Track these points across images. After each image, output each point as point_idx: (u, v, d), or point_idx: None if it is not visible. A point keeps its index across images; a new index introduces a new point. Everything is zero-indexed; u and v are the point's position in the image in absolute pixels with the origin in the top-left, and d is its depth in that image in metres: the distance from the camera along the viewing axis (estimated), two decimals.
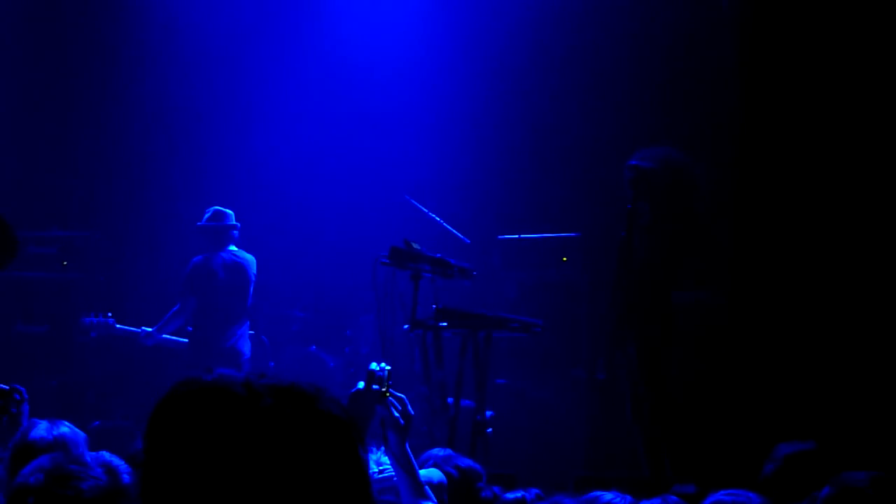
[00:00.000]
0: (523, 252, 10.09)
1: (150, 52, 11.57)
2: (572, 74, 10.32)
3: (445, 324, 7.68)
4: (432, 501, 4.18)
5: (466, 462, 4.97)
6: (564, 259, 9.90)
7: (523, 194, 10.49)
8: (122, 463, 3.30)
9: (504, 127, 10.68)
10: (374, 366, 4.44)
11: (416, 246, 7.70)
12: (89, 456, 3.77)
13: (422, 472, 4.24)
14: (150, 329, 9.34)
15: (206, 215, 9.61)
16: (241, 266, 9.61)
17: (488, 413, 7.89)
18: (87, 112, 11.52)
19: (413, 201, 9.34)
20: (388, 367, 4.23)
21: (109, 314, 9.34)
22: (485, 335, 7.88)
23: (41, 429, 4.04)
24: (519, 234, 10.04)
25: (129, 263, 10.88)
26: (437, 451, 5.11)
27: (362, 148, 11.08)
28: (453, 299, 8.15)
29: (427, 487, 4.03)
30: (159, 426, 1.77)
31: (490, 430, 7.80)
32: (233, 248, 9.63)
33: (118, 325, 9.33)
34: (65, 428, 4.08)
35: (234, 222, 9.65)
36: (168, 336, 9.42)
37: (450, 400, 7.72)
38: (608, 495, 4.38)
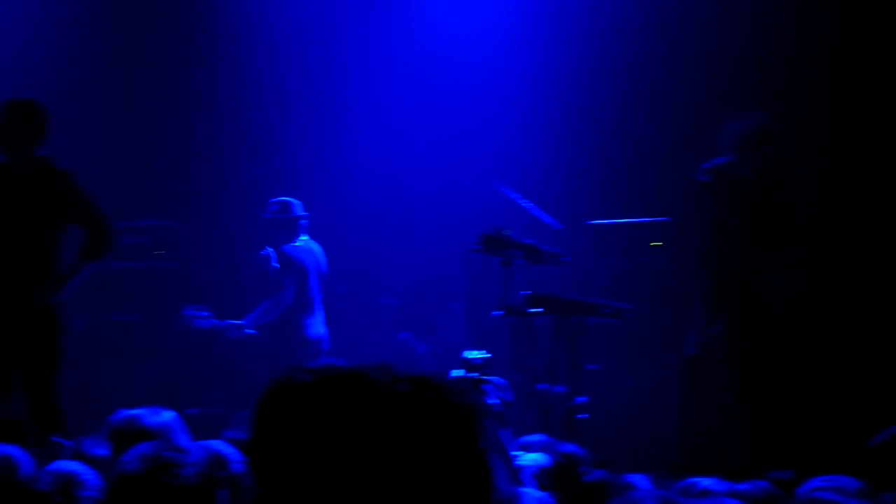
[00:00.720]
0: (614, 237, 10.09)
1: (235, 42, 11.70)
2: (665, 55, 10.28)
3: (538, 310, 7.71)
4: (529, 488, 4.22)
5: (568, 447, 5.00)
6: (657, 244, 9.89)
7: (614, 178, 10.47)
8: (233, 450, 3.37)
9: (595, 110, 10.66)
10: (469, 353, 4.47)
11: (507, 232, 7.72)
12: (191, 444, 3.86)
13: (526, 457, 4.27)
14: (242, 321, 9.42)
15: (274, 207, 9.68)
16: (319, 256, 9.70)
17: (581, 399, 7.90)
18: (176, 103, 11.69)
19: (503, 187, 9.36)
20: (488, 355, 4.26)
21: (206, 308, 9.46)
22: (577, 321, 7.90)
23: (143, 416, 4.11)
24: (610, 218, 10.04)
25: (220, 253, 11.02)
26: (535, 437, 5.14)
27: (452, 134, 11.11)
28: (544, 285, 8.17)
29: (527, 473, 4.06)
30: (291, 411, 1.77)
31: (583, 415, 7.82)
32: (304, 238, 9.70)
33: (213, 320, 9.44)
34: (167, 415, 4.16)
35: (304, 212, 9.73)
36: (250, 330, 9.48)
37: (542, 386, 7.75)
38: (705, 481, 4.40)
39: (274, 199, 9.72)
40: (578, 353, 7.92)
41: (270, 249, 9.64)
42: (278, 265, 9.56)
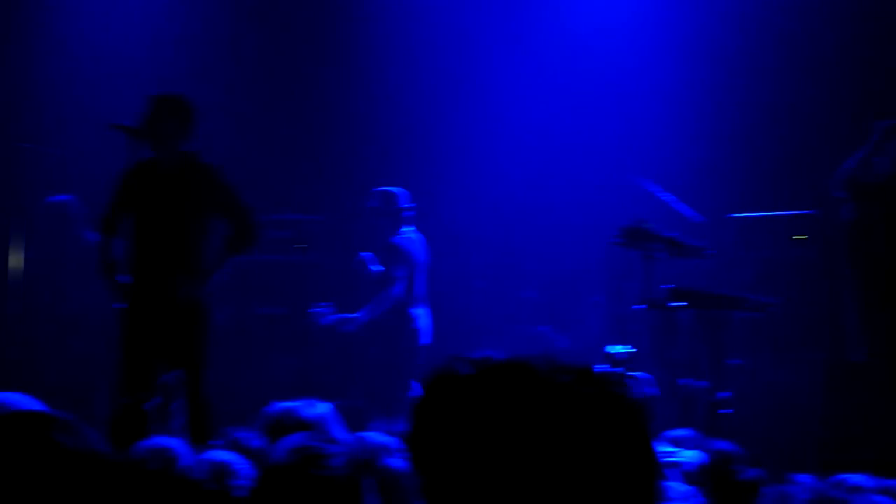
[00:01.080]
0: (757, 230, 9.98)
1: (375, 37, 11.81)
2: (808, 49, 10.15)
3: (680, 304, 7.66)
4: (675, 482, 4.21)
5: (721, 444, 4.96)
6: (800, 237, 9.76)
7: (757, 171, 10.36)
8: (386, 442, 3.41)
9: (736, 103, 10.56)
10: (612, 348, 4.47)
11: (649, 225, 7.69)
12: (344, 435, 3.93)
13: (681, 453, 4.25)
14: (355, 315, 9.46)
15: (378, 198, 9.67)
16: (424, 247, 9.75)
17: (724, 394, 7.84)
18: (319, 97, 11.85)
19: (643, 180, 9.32)
20: (631, 350, 4.25)
21: (330, 303, 9.55)
22: (719, 315, 7.83)
23: (298, 407, 4.17)
24: (753, 211, 9.93)
25: (361, 246, 11.14)
26: (680, 433, 5.11)
27: (593, 127, 11.07)
28: (685, 279, 8.12)
29: (679, 469, 4.05)
30: (438, 406, 1.79)
31: (726, 411, 7.76)
32: (409, 229, 9.69)
33: (333, 316, 9.50)
34: (322, 407, 4.22)
35: (409, 203, 9.74)
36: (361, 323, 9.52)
37: (684, 381, 7.71)
38: (855, 477, 4.34)
39: (377, 189, 9.73)
40: (721, 347, 7.85)
41: (368, 254, 9.68)
42: (379, 262, 9.59)
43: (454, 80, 11.54)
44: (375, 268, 9.63)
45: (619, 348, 4.26)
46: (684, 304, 7.71)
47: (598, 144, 11.00)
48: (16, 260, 10.44)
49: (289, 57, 12.02)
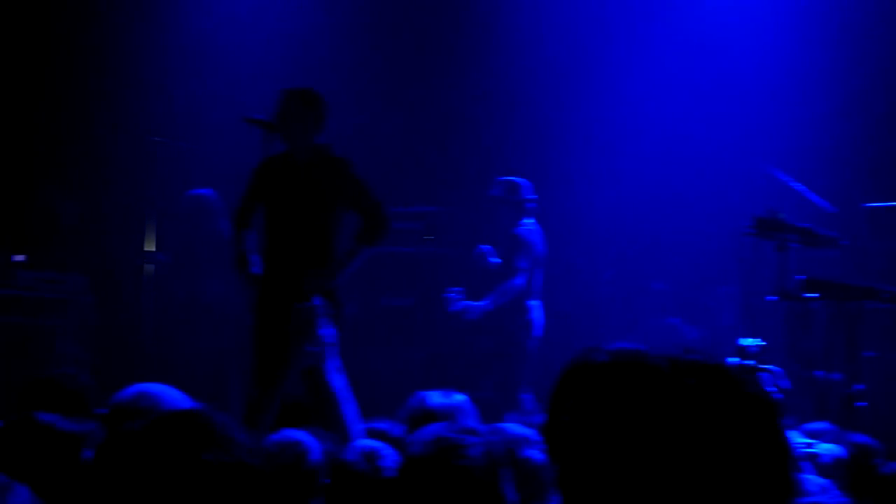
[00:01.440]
0: (890, 219, 9.83)
1: (504, 30, 11.85)
2: None
3: (813, 295, 7.59)
4: (811, 474, 4.19)
5: (861, 438, 4.91)
6: None
7: (890, 160, 10.22)
8: (523, 432, 3.45)
9: (868, 92, 10.42)
10: (745, 341, 4.45)
11: (781, 215, 7.62)
12: (481, 425, 3.97)
13: (820, 446, 4.23)
14: (480, 304, 9.50)
15: (502, 187, 9.69)
16: (543, 240, 9.74)
17: (859, 386, 7.75)
18: (448, 91, 11.94)
19: (774, 170, 9.23)
20: (763, 343, 4.23)
21: (461, 290, 9.60)
22: (854, 306, 7.74)
23: (436, 397, 4.22)
24: (887, 201, 9.79)
25: (488, 237, 11.20)
26: (817, 426, 5.07)
27: (723, 117, 11.00)
28: (817, 269, 8.04)
29: (819, 462, 4.03)
30: (575, 396, 1.79)
31: (861, 403, 7.67)
32: (530, 220, 9.71)
33: (462, 303, 9.55)
34: (458, 397, 4.25)
35: (532, 195, 9.74)
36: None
37: (818, 373, 7.63)
38: None
39: (502, 179, 9.75)
40: (856, 339, 7.76)
41: (487, 246, 9.73)
42: (500, 253, 9.62)
43: (581, 70, 11.54)
44: (495, 259, 9.69)
45: (750, 341, 4.24)
46: (817, 295, 7.64)
47: (729, 134, 10.92)
48: (149, 252, 10.68)
49: (416, 49, 12.12)
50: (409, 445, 3.33)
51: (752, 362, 5.02)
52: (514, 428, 3.70)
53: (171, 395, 3.86)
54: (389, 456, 3.47)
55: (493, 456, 3.24)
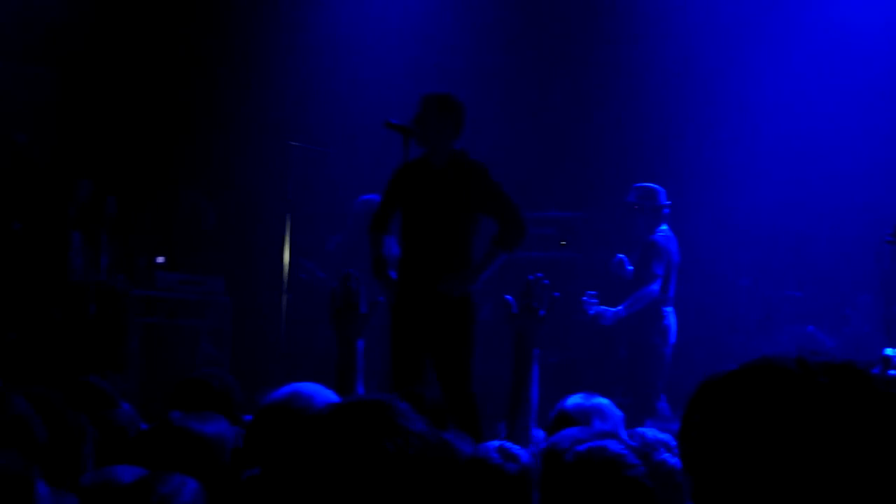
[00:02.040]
0: None
1: (642, 35, 11.84)
2: None
3: None
4: None
5: None
6: None
7: None
8: (661, 438, 3.47)
9: None
10: (889, 350, 4.41)
11: None
12: (622, 430, 4.01)
13: None
14: (616, 309, 9.49)
15: (638, 193, 9.64)
16: (677, 246, 9.69)
17: None
18: (582, 96, 11.97)
19: None
20: None
21: (592, 293, 9.59)
22: None
23: (577, 398, 4.24)
24: None
25: (623, 243, 11.19)
26: None
27: (860, 123, 10.87)
28: None
29: None
30: (707, 403, 1.80)
31: None
32: (664, 227, 9.66)
33: (597, 308, 9.52)
34: (601, 400, 4.28)
35: (667, 201, 9.69)
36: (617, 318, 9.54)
37: None
38: None
39: (638, 185, 9.71)
40: None
41: (623, 256, 9.74)
42: (635, 259, 9.60)
43: (718, 76, 11.46)
44: (630, 268, 9.70)
45: (891, 351, 4.21)
46: None
47: (868, 140, 10.79)
48: (287, 255, 10.84)
49: (554, 53, 12.15)
50: (552, 449, 3.30)
51: (894, 372, 4.99)
52: (652, 433, 3.73)
53: (325, 395, 3.86)
54: (523, 455, 3.47)
55: (635, 460, 3.24)
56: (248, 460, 3.59)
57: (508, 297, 4.52)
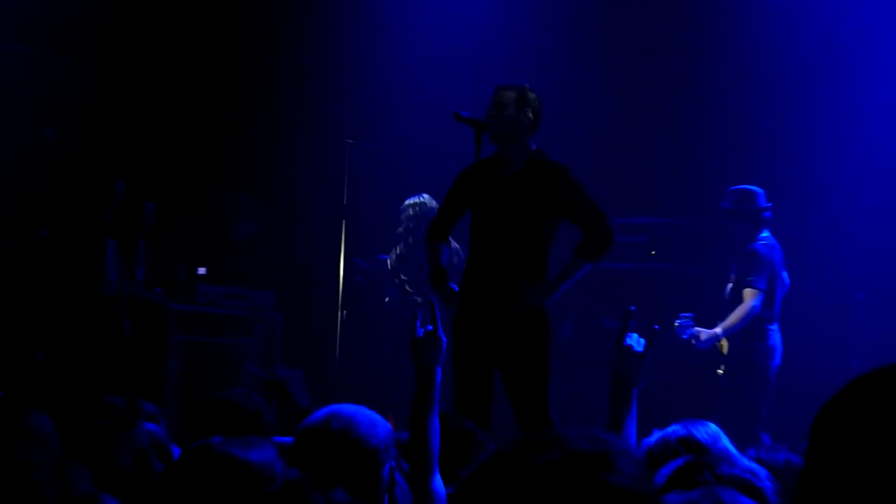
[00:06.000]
0: None
1: (734, 33, 11.75)
2: None
3: None
4: None
5: None
6: None
7: None
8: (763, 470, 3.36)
9: None
10: None
11: None
12: (738, 457, 3.90)
13: None
14: (714, 330, 9.27)
15: (734, 196, 9.42)
16: (782, 255, 9.49)
17: None
18: (673, 94, 11.96)
19: None
20: None
21: (687, 315, 9.38)
22: None
23: (676, 428, 4.14)
24: None
25: (721, 254, 11.04)
26: None
27: None
28: None
29: None
30: (847, 420, 1.76)
31: None
32: (766, 233, 9.43)
33: (692, 329, 9.33)
34: (711, 428, 4.17)
35: (767, 203, 9.46)
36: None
37: None
38: None
39: (734, 188, 9.48)
40: None
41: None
42: (734, 271, 9.39)
43: (831, 72, 11.34)
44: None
45: None
46: None
47: None
48: (342, 266, 10.79)
49: (644, 43, 12.09)
50: (657, 479, 3.19)
51: None
52: (748, 463, 3.63)
53: (367, 417, 3.86)
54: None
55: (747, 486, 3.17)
56: None
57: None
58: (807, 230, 10.43)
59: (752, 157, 11.23)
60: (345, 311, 10.78)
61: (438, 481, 4.26)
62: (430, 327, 4.47)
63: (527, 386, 7.46)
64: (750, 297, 9.26)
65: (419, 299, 10.51)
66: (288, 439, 4.20)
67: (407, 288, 10.95)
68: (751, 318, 9.22)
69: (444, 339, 4.46)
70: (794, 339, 9.56)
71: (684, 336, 9.29)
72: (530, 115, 7.56)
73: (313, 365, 11.25)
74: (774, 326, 9.37)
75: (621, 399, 4.45)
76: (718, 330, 9.26)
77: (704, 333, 9.29)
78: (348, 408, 3.90)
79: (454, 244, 10.03)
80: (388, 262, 11.07)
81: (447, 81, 11.91)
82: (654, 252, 11.35)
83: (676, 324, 9.31)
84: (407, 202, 10.94)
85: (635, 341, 4.53)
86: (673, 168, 11.79)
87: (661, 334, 9.66)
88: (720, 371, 9.39)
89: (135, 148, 11.88)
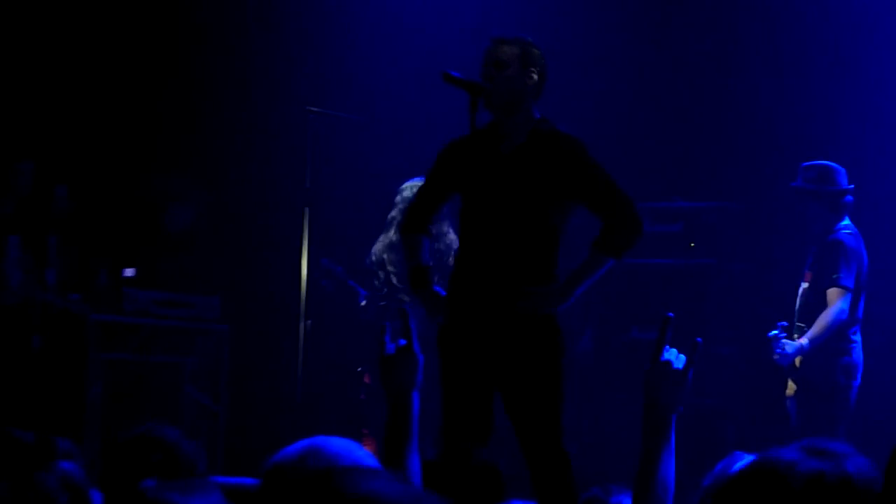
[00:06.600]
0: None
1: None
2: None
3: None
4: None
5: None
6: None
7: None
8: None
9: None
10: None
11: None
12: None
13: None
14: (800, 343, 9.18)
15: (810, 174, 9.36)
16: (864, 248, 9.41)
17: None
18: (714, 62, 12.03)
19: None
20: None
21: (784, 325, 9.25)
22: None
23: (740, 461, 4.13)
24: None
25: (779, 246, 11.03)
26: None
27: None
28: None
29: None
30: None
31: None
32: (847, 221, 9.38)
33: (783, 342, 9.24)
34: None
35: (849, 184, 9.39)
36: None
37: None
38: None
39: (809, 163, 9.43)
40: None
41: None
42: (813, 266, 9.29)
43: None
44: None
45: None
46: None
47: None
48: (305, 265, 10.78)
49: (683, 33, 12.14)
50: None
51: None
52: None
53: (350, 452, 3.69)
54: None
55: None
56: None
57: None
58: (880, 220, 10.40)
59: (815, 128, 11.24)
60: (309, 321, 10.79)
61: None
62: (404, 342, 4.40)
63: (534, 411, 7.38)
64: (837, 297, 9.20)
65: (406, 298, 10.47)
66: (233, 479, 4.16)
67: (394, 281, 10.92)
68: (839, 325, 9.14)
69: (421, 356, 4.41)
70: (872, 351, 9.51)
71: (790, 352, 9.12)
72: (535, 76, 7.49)
73: (270, 388, 11.24)
74: (858, 338, 9.30)
75: (656, 427, 4.37)
76: (804, 341, 9.14)
77: (789, 346, 9.17)
78: (327, 441, 3.73)
79: (451, 235, 10.02)
80: (373, 253, 11.04)
81: (432, 35, 11.90)
82: (693, 244, 11.34)
83: (771, 335, 9.17)
84: (405, 184, 10.95)
85: (674, 357, 4.41)
86: (715, 141, 11.79)
87: (710, 349, 9.71)
88: (789, 393, 9.34)
89: (44, 120, 11.85)
